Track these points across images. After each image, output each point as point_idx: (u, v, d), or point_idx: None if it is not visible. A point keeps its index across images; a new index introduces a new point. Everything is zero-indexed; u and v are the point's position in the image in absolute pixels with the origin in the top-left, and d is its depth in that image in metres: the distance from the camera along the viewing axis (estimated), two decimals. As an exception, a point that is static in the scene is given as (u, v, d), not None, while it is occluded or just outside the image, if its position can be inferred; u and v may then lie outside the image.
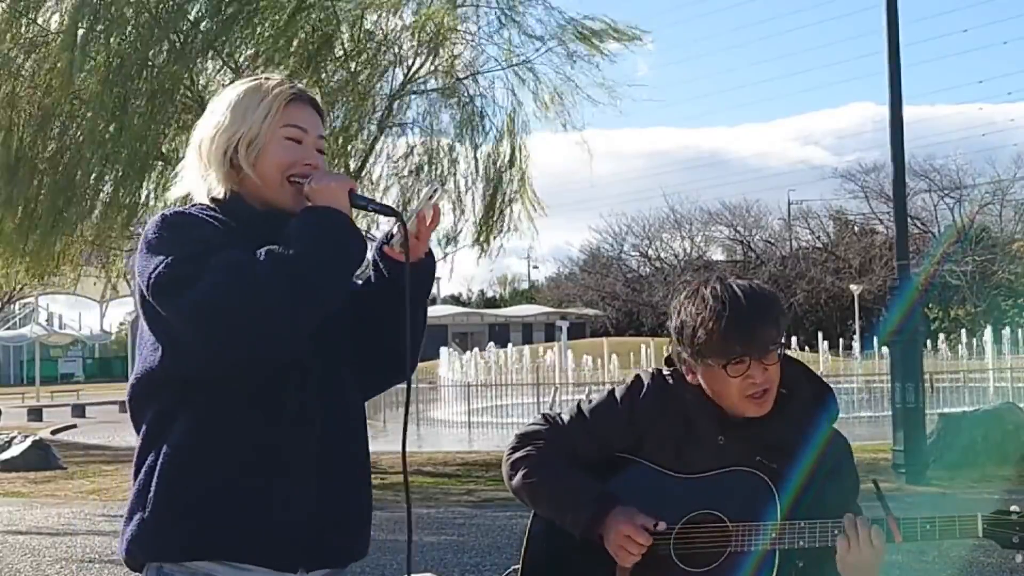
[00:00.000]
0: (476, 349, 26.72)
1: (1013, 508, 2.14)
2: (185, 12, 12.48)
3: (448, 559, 7.19)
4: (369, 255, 2.09)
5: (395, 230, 2.05)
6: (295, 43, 12.75)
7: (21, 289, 27.62)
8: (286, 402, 1.96)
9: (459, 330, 55.56)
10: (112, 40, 12.18)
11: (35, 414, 26.72)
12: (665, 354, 2.47)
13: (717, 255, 57.84)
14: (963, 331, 28.19)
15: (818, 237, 57.10)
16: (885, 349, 14.65)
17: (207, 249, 1.88)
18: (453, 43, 14.24)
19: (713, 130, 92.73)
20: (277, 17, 12.52)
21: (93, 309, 57.32)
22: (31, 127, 12.51)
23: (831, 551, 2.17)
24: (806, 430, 2.31)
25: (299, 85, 2.14)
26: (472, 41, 14.50)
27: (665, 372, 2.42)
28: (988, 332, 23.93)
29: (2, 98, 12.39)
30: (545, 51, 14.21)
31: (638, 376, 2.45)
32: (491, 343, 29.71)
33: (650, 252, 59.54)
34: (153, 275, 1.89)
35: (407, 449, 2.15)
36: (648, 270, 59.15)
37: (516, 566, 2.47)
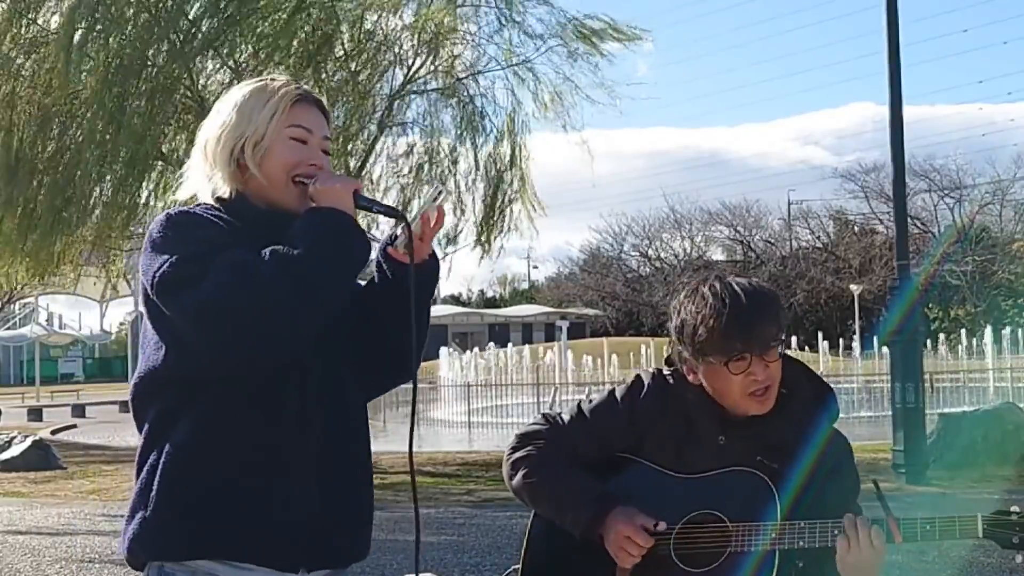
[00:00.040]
0: (476, 349, 26.72)
1: (1013, 508, 2.14)
2: (184, 11, 12.47)
3: (448, 559, 7.19)
4: (373, 256, 2.09)
5: (399, 231, 2.06)
6: (295, 43, 12.75)
7: (21, 289, 27.60)
8: (287, 402, 1.96)
9: (459, 330, 55.57)
10: (111, 40, 12.18)
11: (35, 414, 26.72)
12: (665, 354, 2.47)
13: (717, 255, 57.90)
14: (963, 331, 28.19)
15: (818, 237, 57.14)
16: (885, 349, 14.64)
17: (212, 249, 1.88)
18: (453, 43, 14.25)
19: (713, 130, 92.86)
20: (277, 16, 12.53)
21: (93, 309, 57.37)
22: (31, 127, 12.51)
23: (831, 551, 2.17)
24: (806, 430, 2.31)
25: (304, 86, 2.14)
26: (472, 41, 14.52)
27: (666, 372, 2.42)
28: (988, 332, 23.93)
29: (2, 98, 12.39)
30: (545, 50, 14.23)
31: (638, 376, 2.45)
32: (491, 343, 29.72)
33: (650, 252, 59.59)
34: (158, 274, 1.89)
35: (414, 449, 2.15)
36: (648, 270, 59.17)
37: (516, 566, 2.47)
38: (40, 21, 12.73)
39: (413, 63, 14.09)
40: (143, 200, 13.36)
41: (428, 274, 2.10)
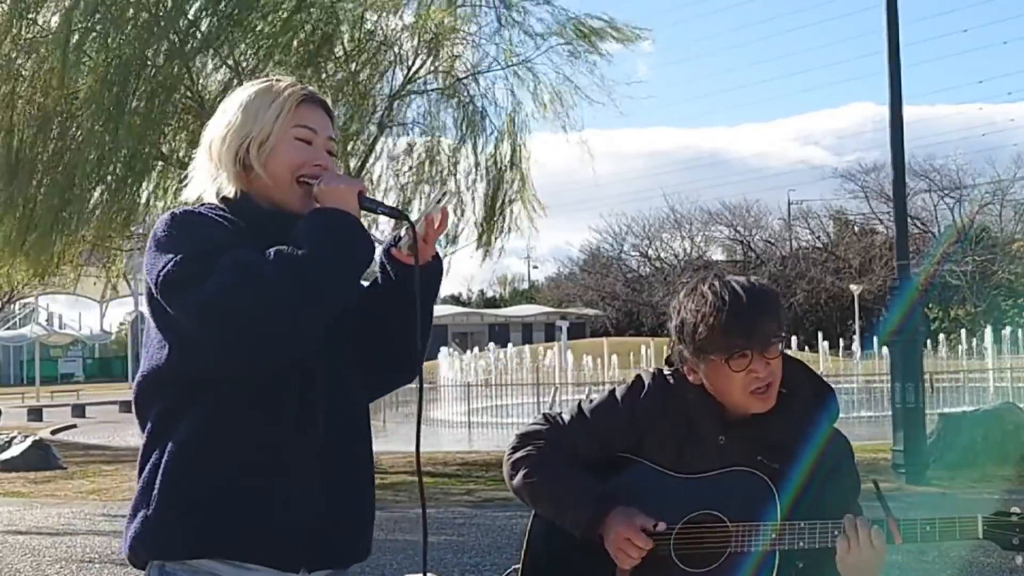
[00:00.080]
0: (476, 349, 26.72)
1: (1014, 510, 2.14)
2: (184, 11, 12.47)
3: (448, 559, 7.19)
4: (376, 257, 2.10)
5: (403, 233, 2.07)
6: (295, 42, 12.75)
7: (21, 289, 27.60)
8: (289, 402, 1.96)
9: (459, 330, 55.59)
10: (111, 40, 12.18)
11: (35, 414, 26.72)
12: (665, 354, 2.47)
13: (717, 255, 57.89)
14: (963, 331, 28.18)
15: (818, 237, 57.14)
16: (885, 349, 14.65)
17: (216, 248, 1.88)
18: (453, 43, 14.25)
19: (713, 130, 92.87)
20: (277, 16, 12.53)
21: (93, 309, 57.38)
22: (31, 127, 12.51)
23: (831, 552, 2.17)
24: (807, 430, 2.30)
25: (310, 87, 2.15)
26: (472, 41, 14.52)
27: (666, 372, 2.42)
28: (988, 332, 23.92)
29: (2, 98, 12.39)
30: (545, 49, 14.24)
31: (639, 376, 2.45)
32: (491, 343, 29.71)
33: (650, 252, 59.57)
34: (162, 273, 1.89)
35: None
36: (648, 270, 59.16)
37: (516, 566, 2.47)
38: (40, 21, 12.74)
39: (413, 63, 14.10)
40: (143, 200, 13.36)
41: (432, 275, 2.10)
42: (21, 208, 12.55)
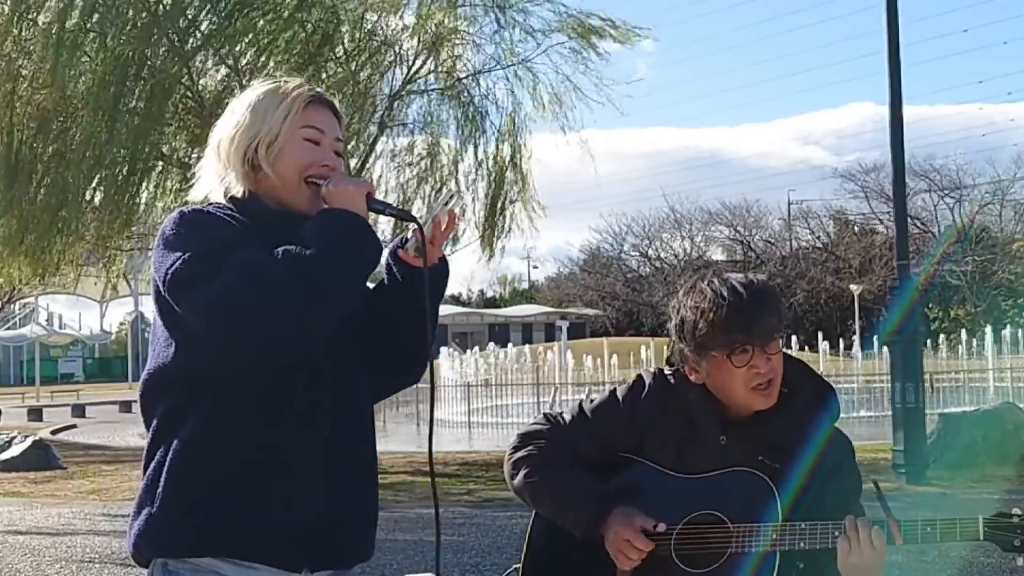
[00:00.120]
0: (476, 349, 26.72)
1: (1015, 511, 2.14)
2: (184, 10, 12.46)
3: (448, 559, 7.19)
4: (383, 259, 2.10)
5: (409, 234, 2.07)
6: (296, 42, 12.75)
7: (21, 289, 27.60)
8: (293, 402, 1.97)
9: (459, 330, 55.61)
10: (109, 40, 12.18)
11: (35, 414, 26.72)
12: (666, 354, 2.46)
13: (717, 255, 57.87)
14: (963, 331, 28.18)
15: (818, 237, 57.12)
16: (885, 349, 14.65)
17: (224, 247, 1.89)
18: (453, 44, 14.25)
19: (713, 130, 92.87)
20: (277, 14, 12.52)
21: (93, 309, 57.42)
22: (30, 128, 12.51)
23: (832, 552, 2.17)
24: (807, 429, 2.31)
25: (317, 88, 2.16)
26: (472, 41, 14.52)
27: (667, 372, 2.42)
28: (988, 332, 23.92)
29: (2, 98, 12.39)
30: (545, 49, 14.24)
31: (640, 376, 2.44)
32: (491, 343, 29.72)
33: (650, 252, 59.55)
34: (170, 271, 1.90)
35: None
36: (648, 270, 59.14)
37: (516, 566, 2.47)
38: (40, 22, 12.73)
39: (414, 63, 14.11)
40: (143, 200, 13.36)
41: (438, 277, 2.11)
42: (21, 208, 12.55)
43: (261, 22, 12.58)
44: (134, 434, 20.18)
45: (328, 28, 12.93)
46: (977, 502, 8.83)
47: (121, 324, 61.99)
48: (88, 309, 58.24)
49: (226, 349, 1.88)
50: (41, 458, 14.24)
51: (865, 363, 23.98)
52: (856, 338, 32.79)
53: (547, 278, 70.99)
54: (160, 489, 1.93)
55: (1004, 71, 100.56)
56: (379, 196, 2.08)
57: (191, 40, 12.67)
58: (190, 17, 12.61)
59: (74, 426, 23.85)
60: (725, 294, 2.24)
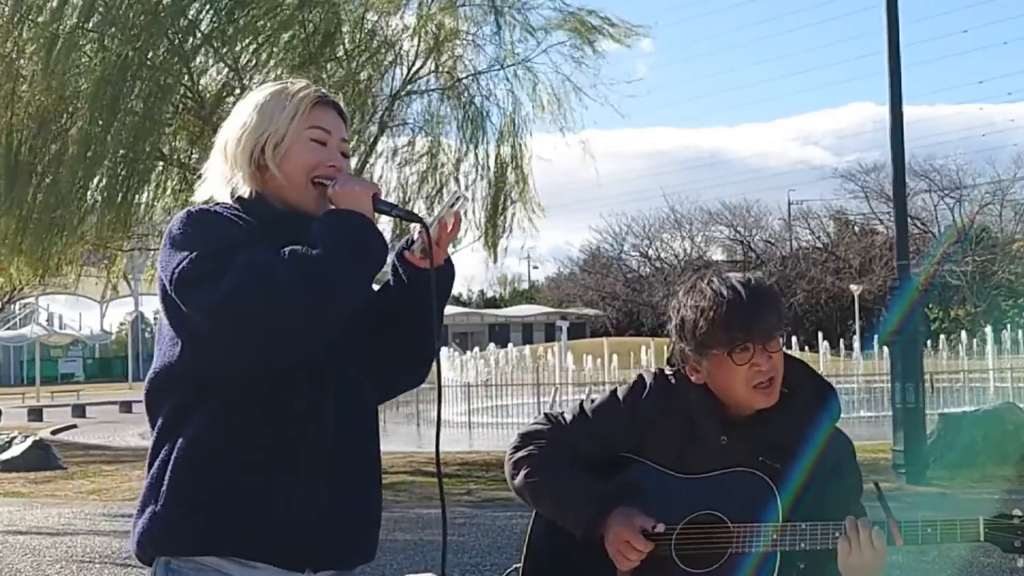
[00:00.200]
0: (476, 349, 26.72)
1: (1015, 512, 2.14)
2: (184, 9, 12.46)
3: (448, 559, 7.17)
4: (388, 260, 2.11)
5: (416, 236, 2.08)
6: (296, 41, 12.75)
7: (21, 289, 27.61)
8: (295, 403, 1.97)
9: (459, 330, 55.61)
10: (107, 40, 12.17)
11: (35, 414, 26.72)
12: (666, 354, 2.46)
13: (717, 255, 57.88)
14: (963, 331, 28.17)
15: (818, 237, 57.14)
16: (885, 349, 14.64)
17: (231, 247, 1.90)
18: (454, 44, 14.25)
19: (713, 130, 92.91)
20: (277, 14, 12.52)
21: (93, 309, 57.40)
22: (31, 128, 12.50)
23: (833, 552, 2.17)
24: (808, 429, 2.31)
25: (323, 89, 2.16)
26: (473, 42, 14.52)
27: (668, 372, 2.42)
28: (988, 332, 23.92)
29: (2, 98, 12.39)
30: (545, 48, 14.24)
31: (641, 376, 2.45)
32: (491, 343, 29.73)
33: (650, 252, 59.56)
34: (176, 270, 1.90)
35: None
36: (648, 270, 59.14)
37: (516, 565, 2.47)
38: (41, 22, 12.73)
39: (414, 63, 14.11)
40: (144, 200, 13.35)
41: (444, 278, 2.12)
42: (21, 208, 12.54)
43: (262, 22, 12.58)
44: (134, 434, 20.19)
45: (329, 28, 12.93)
46: (977, 502, 8.83)
47: (121, 324, 62.02)
48: (88, 309, 58.28)
49: (232, 348, 1.88)
50: (41, 458, 14.24)
51: (865, 363, 23.97)
52: (856, 338, 32.78)
53: (547, 278, 71.10)
54: (164, 488, 1.93)
55: (1004, 71, 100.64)
56: (382, 197, 2.08)
57: (191, 40, 12.67)
58: (190, 17, 12.61)
59: (74, 426, 23.85)
60: (725, 293, 2.24)
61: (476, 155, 14.42)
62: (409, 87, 14.23)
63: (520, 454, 2.42)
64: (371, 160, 14.17)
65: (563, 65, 14.36)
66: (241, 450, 1.93)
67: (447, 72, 14.37)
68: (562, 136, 14.55)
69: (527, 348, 31.99)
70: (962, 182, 49.64)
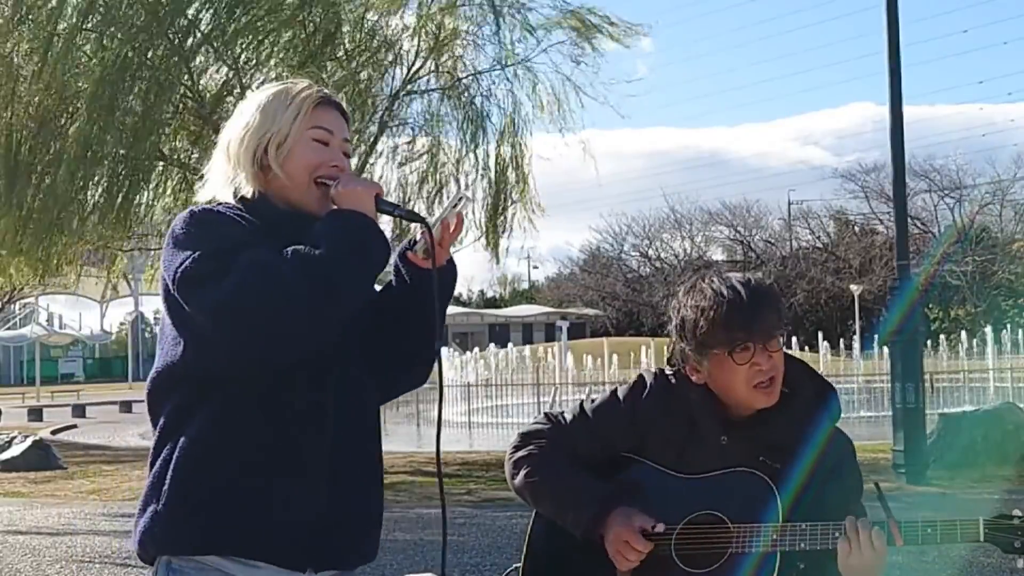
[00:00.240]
0: (476, 349, 26.72)
1: (1015, 512, 2.14)
2: (183, 8, 12.46)
3: (448, 559, 7.17)
4: (391, 260, 2.11)
5: (418, 236, 2.08)
6: (296, 41, 12.75)
7: (21, 289, 27.61)
8: (295, 402, 1.97)
9: (459, 330, 55.59)
10: (106, 39, 12.17)
11: (35, 414, 26.72)
12: (666, 354, 2.46)
13: (717, 255, 57.88)
14: (963, 331, 28.17)
15: (818, 237, 57.14)
16: (885, 349, 14.64)
17: (234, 247, 1.90)
18: (454, 44, 14.25)
19: (713, 130, 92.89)
20: (277, 13, 12.52)
21: (93, 309, 57.40)
22: (31, 128, 12.50)
23: (833, 552, 2.17)
24: (808, 429, 2.31)
25: (325, 90, 2.17)
26: (473, 42, 14.51)
27: (668, 372, 2.42)
28: (988, 332, 23.92)
29: (2, 99, 12.38)
30: (545, 47, 14.24)
31: (641, 376, 2.45)
32: (491, 343, 29.73)
33: (650, 252, 59.55)
34: (179, 270, 1.91)
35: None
36: (648, 270, 59.14)
37: (517, 565, 2.47)
38: (39, 21, 12.72)
39: (414, 63, 14.11)
40: (144, 200, 13.35)
41: (446, 279, 2.13)
42: (21, 208, 12.54)
43: (262, 21, 12.57)
44: (134, 434, 20.19)
45: (329, 28, 12.93)
46: (977, 502, 8.83)
47: (121, 324, 62.03)
48: (88, 309, 58.29)
49: (234, 348, 1.89)
50: (41, 458, 14.24)
51: (865, 363, 23.98)
52: (856, 338, 32.78)
53: (547, 278, 71.09)
54: (166, 487, 1.94)
55: (1004, 71, 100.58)
56: (384, 197, 2.08)
57: (191, 39, 12.66)
58: (190, 16, 12.60)
59: (74, 426, 23.85)
60: (725, 292, 2.24)
61: (476, 155, 14.43)
62: (409, 87, 14.23)
63: (520, 454, 2.42)
64: (371, 160, 14.17)
65: (563, 65, 14.38)
66: (241, 450, 1.94)
67: (447, 72, 14.36)
68: (562, 136, 14.56)
69: (527, 348, 31.99)
70: (962, 182, 49.70)
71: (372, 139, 13.99)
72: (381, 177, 14.48)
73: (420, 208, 13.85)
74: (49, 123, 12.47)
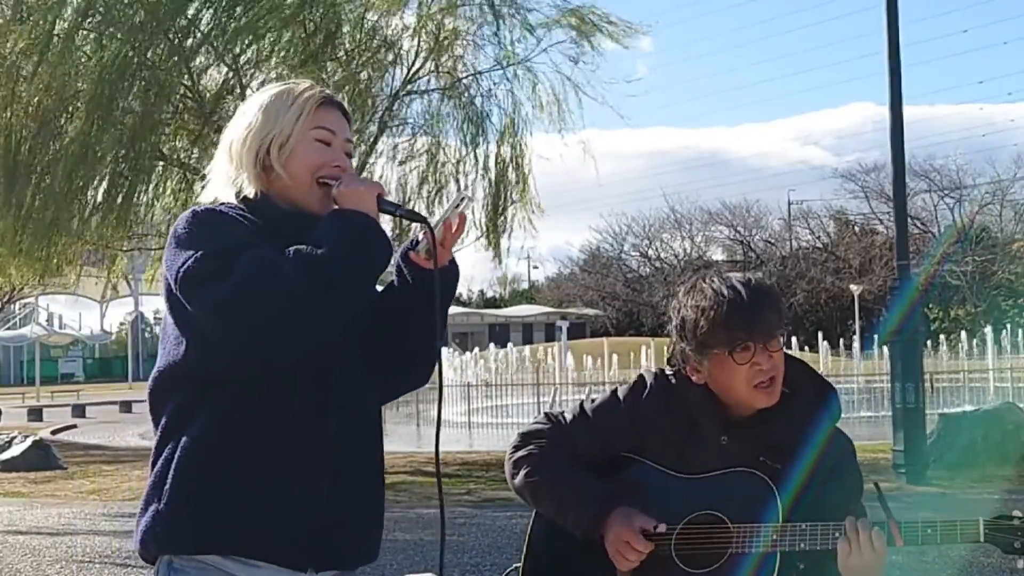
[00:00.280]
0: (476, 349, 26.72)
1: (1015, 513, 2.14)
2: (183, 8, 12.46)
3: (448, 559, 7.18)
4: (393, 260, 2.11)
5: (421, 236, 2.08)
6: (296, 41, 12.75)
7: (21, 289, 27.62)
8: (295, 402, 1.97)
9: (459, 330, 55.56)
10: (106, 39, 12.16)
11: (35, 414, 26.72)
12: (666, 355, 2.46)
13: (717, 255, 57.86)
14: (963, 331, 28.17)
15: (818, 237, 57.13)
16: (885, 349, 14.64)
17: (236, 246, 1.90)
18: (454, 44, 14.26)
19: (713, 130, 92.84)
20: (278, 13, 12.52)
21: (93, 309, 57.39)
22: (31, 128, 12.50)
23: (833, 553, 2.17)
24: (808, 429, 2.31)
25: (327, 90, 2.17)
26: (473, 42, 14.52)
27: (668, 372, 2.42)
28: (988, 332, 23.92)
29: (2, 99, 12.38)
30: (545, 47, 14.23)
31: (641, 376, 2.45)
32: (491, 343, 29.73)
33: (650, 252, 59.55)
34: (182, 269, 1.91)
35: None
36: (648, 270, 59.13)
37: (516, 565, 2.47)
38: (38, 21, 12.73)
39: (414, 63, 14.11)
40: (144, 200, 13.35)
41: (448, 279, 2.13)
42: (21, 208, 12.54)
43: (262, 21, 12.58)
44: (134, 434, 20.19)
45: (329, 28, 12.93)
46: (977, 502, 8.83)
47: (121, 324, 62.02)
48: (88, 309, 58.27)
49: (236, 348, 1.89)
50: (41, 458, 14.24)
51: (865, 363, 23.98)
52: (856, 338, 32.78)
53: (547, 278, 71.07)
54: (167, 487, 1.94)
55: (1004, 71, 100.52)
56: (386, 197, 2.09)
57: (191, 39, 12.67)
58: (190, 16, 12.60)
59: (74, 426, 23.85)
60: (725, 292, 2.24)
61: (476, 155, 14.43)
62: (409, 87, 14.24)
63: (520, 454, 2.42)
64: (371, 160, 14.19)
65: (563, 65, 14.38)
66: (241, 450, 1.94)
67: (447, 72, 14.37)
68: (561, 136, 14.56)
69: (527, 348, 31.99)
70: (962, 182, 49.69)
71: (372, 139, 14.00)
72: (381, 177, 14.49)
73: (420, 208, 13.85)
74: (48, 123, 12.46)
